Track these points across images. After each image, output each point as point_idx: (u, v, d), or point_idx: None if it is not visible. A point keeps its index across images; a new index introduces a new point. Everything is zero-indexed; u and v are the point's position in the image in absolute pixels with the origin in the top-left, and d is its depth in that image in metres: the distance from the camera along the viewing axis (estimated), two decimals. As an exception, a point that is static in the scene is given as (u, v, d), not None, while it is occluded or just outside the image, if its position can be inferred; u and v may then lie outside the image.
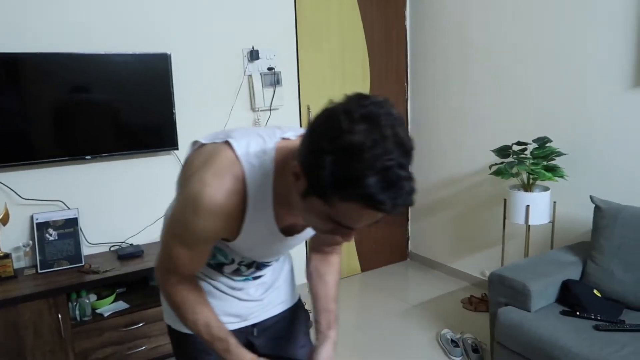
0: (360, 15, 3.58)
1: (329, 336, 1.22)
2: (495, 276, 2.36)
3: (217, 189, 0.92)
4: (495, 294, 2.37)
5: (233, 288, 1.25)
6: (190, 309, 1.08)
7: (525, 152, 2.75)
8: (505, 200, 2.86)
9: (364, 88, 3.68)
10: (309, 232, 1.14)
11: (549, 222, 2.75)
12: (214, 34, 2.97)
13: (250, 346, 1.32)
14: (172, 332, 1.29)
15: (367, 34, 3.63)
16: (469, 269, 3.57)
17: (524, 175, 2.74)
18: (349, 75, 3.60)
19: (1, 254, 2.42)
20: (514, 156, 2.75)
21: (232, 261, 1.17)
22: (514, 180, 2.85)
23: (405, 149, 0.77)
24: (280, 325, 1.36)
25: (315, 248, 1.33)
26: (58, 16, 2.53)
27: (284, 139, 1.00)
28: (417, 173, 3.89)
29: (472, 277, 3.53)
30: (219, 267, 1.20)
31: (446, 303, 3.28)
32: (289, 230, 1.08)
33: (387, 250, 4.01)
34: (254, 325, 1.31)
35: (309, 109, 3.42)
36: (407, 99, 3.90)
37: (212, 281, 1.23)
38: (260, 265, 1.23)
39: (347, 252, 3.80)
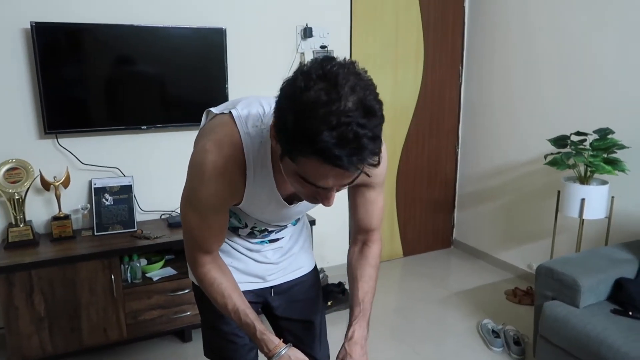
0: (417, -6, 3.48)
1: (356, 336, 1.16)
2: (544, 269, 2.29)
3: (217, 156, 0.99)
4: (543, 287, 2.30)
5: (250, 250, 1.33)
6: (220, 293, 1.14)
7: (585, 143, 2.63)
8: (559, 192, 2.75)
9: (417, 70, 3.60)
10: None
11: (605, 217, 2.63)
12: (269, 10, 2.97)
13: (268, 306, 1.41)
14: (196, 289, 1.35)
15: (424, 15, 3.54)
16: (515, 261, 3.47)
17: (581, 168, 2.62)
18: (402, 57, 3.53)
19: (62, 215, 2.56)
20: (572, 147, 2.63)
21: (245, 225, 1.24)
22: (570, 172, 2.74)
23: (367, 109, 0.78)
24: (296, 289, 1.42)
25: (352, 240, 1.34)
26: (121, -11, 2.61)
27: None
28: (466, 159, 3.82)
29: (518, 269, 3.44)
30: (234, 230, 1.28)
31: (489, 293, 3.22)
32: (293, 198, 1.13)
33: (430, 237, 3.96)
34: (271, 287, 1.39)
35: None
36: (460, 83, 3.80)
37: (230, 242, 1.31)
38: (271, 231, 1.29)
39: (390, 235, 3.78)
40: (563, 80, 3.00)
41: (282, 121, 0.83)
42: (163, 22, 2.67)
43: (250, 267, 1.34)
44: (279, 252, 1.38)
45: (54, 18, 2.47)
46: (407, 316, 2.96)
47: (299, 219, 1.41)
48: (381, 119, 0.82)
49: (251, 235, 1.30)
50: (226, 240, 1.30)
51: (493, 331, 2.65)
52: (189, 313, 2.59)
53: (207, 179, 1.00)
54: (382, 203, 1.28)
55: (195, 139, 1.13)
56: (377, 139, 0.80)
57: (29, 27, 2.38)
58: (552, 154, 2.72)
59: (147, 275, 2.58)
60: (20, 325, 2.29)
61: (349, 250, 1.34)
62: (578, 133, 2.65)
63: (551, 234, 3.01)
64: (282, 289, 1.41)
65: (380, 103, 0.82)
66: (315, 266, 1.50)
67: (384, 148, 1.12)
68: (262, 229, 1.28)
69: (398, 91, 3.57)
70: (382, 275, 3.63)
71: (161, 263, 2.66)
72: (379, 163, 0.83)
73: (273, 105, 0.99)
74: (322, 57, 0.83)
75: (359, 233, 1.31)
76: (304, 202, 1.15)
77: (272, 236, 1.34)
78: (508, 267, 3.52)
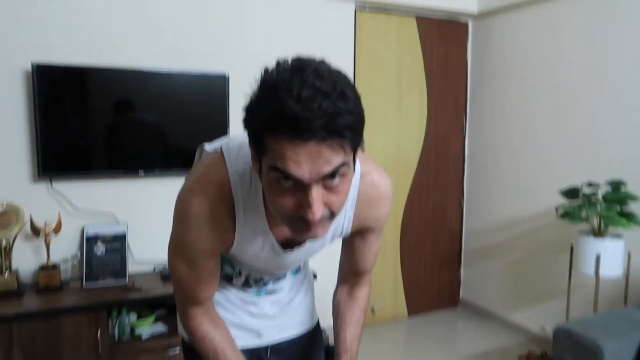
0: (420, 45, 3.51)
1: None
2: (562, 331, 2.14)
3: (202, 197, 0.92)
4: (561, 352, 2.14)
5: (245, 301, 1.21)
6: (212, 349, 1.05)
7: (597, 195, 2.54)
8: (572, 246, 2.63)
9: (420, 120, 3.57)
10: (311, 247, 1.07)
11: (623, 275, 2.49)
12: (271, 56, 2.93)
13: None
14: (184, 344, 1.24)
15: (427, 66, 3.56)
16: (527, 323, 3.29)
17: (595, 220, 2.52)
18: (405, 107, 3.51)
19: (50, 264, 2.43)
20: (584, 198, 2.53)
21: (240, 273, 1.15)
22: (583, 225, 2.63)
23: (334, 85, 0.73)
24: (295, 349, 1.28)
25: (341, 279, 1.24)
26: (123, 34, 2.61)
27: None
28: (472, 212, 3.72)
29: (530, 331, 3.25)
30: (228, 279, 1.18)
31: (500, 359, 3.02)
32: (290, 243, 1.03)
33: (436, 295, 3.78)
34: (267, 347, 1.25)
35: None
36: (464, 134, 3.76)
37: (223, 292, 1.20)
38: (268, 280, 1.19)
39: (394, 293, 3.61)
40: (569, 130, 2.95)
41: (247, 108, 0.80)
42: (165, 67, 2.66)
43: (244, 321, 1.21)
44: (277, 305, 1.25)
45: (55, 60, 2.45)
46: (414, 380, 2.76)
47: (299, 268, 1.29)
48: (351, 96, 0.74)
49: (246, 284, 1.19)
50: (219, 289, 1.18)
51: (508, 399, 2.44)
52: (179, 374, 2.40)
53: (193, 223, 0.93)
54: (379, 246, 1.19)
55: (184, 179, 1.05)
56: (343, 110, 0.72)
57: (30, 68, 2.35)
58: (563, 205, 2.62)
59: (136, 331, 2.42)
60: (-5, 384, 2.11)
61: (337, 290, 1.23)
62: (590, 184, 2.57)
63: (564, 293, 2.86)
64: (279, 348, 1.26)
65: (353, 89, 0.76)
66: (318, 323, 1.36)
67: (388, 188, 1.04)
68: (258, 277, 1.17)
69: (401, 142, 3.53)
70: (384, 336, 3.40)
71: (152, 318, 2.50)
72: (357, 141, 0.77)
73: None
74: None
75: (350, 274, 1.21)
76: (302, 248, 1.05)
77: (270, 287, 1.22)
78: (520, 329, 3.33)
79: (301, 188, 0.76)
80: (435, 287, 3.77)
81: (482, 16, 3.54)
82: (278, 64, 0.78)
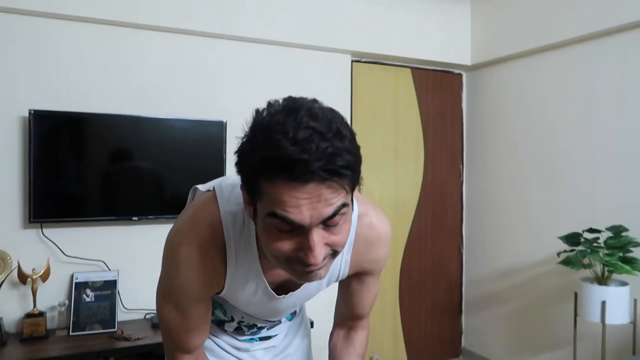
0: (416, 96, 3.57)
1: None
2: (570, 381, 2.04)
3: (192, 238, 0.88)
4: (570, 403, 2.03)
5: (238, 349, 1.15)
6: None
7: (599, 241, 2.50)
8: (576, 294, 2.56)
9: (417, 167, 3.58)
10: (306, 291, 1.02)
11: (630, 322, 2.42)
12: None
13: None
14: None
15: (422, 114, 3.60)
16: (532, 373, 3.16)
17: (598, 267, 2.46)
18: (402, 155, 3.53)
19: (36, 312, 2.34)
20: (586, 244, 2.49)
21: (232, 319, 1.10)
22: (586, 272, 2.57)
23: (329, 124, 0.71)
24: None
25: (338, 322, 1.18)
26: (120, 80, 2.64)
27: None
28: (471, 259, 3.66)
29: (536, 383, 3.12)
30: (220, 324, 1.13)
31: (506, 411, 2.87)
32: (284, 288, 0.99)
33: (437, 344, 3.65)
34: None
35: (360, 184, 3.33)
36: (462, 182, 3.76)
37: (214, 338, 1.14)
38: (262, 327, 1.13)
39: (393, 341, 3.48)
40: (566, 176, 2.95)
41: (240, 152, 0.76)
42: (162, 114, 2.67)
43: None
44: (271, 353, 1.18)
45: (52, 107, 2.46)
46: None
47: (295, 313, 1.23)
48: (347, 136, 0.73)
49: (238, 331, 1.13)
50: (210, 335, 1.13)
51: None
52: None
53: (182, 265, 0.89)
54: (378, 289, 1.14)
55: (175, 220, 1.02)
56: (341, 149, 0.70)
57: (27, 114, 2.36)
58: (565, 251, 2.57)
59: (123, 383, 2.30)
60: None
61: (332, 333, 1.17)
62: (591, 230, 2.53)
63: (569, 342, 2.77)
64: None
65: (348, 128, 0.75)
66: None
67: (387, 230, 1.01)
68: (251, 323, 1.10)
69: (399, 189, 3.52)
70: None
71: (140, 369, 2.38)
72: (354, 180, 0.74)
73: None
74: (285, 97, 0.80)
75: (347, 319, 1.16)
76: (296, 293, 1.00)
77: (263, 333, 1.16)
78: (525, 380, 3.19)
79: (300, 231, 0.74)
80: (436, 336, 3.64)
81: (476, 67, 3.63)
82: (270, 104, 0.76)
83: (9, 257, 2.31)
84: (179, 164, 2.68)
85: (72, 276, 2.48)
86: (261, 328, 1.14)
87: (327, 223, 0.74)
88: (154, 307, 2.65)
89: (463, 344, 3.74)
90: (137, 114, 2.61)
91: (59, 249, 2.48)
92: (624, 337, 2.57)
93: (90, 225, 2.56)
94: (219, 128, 2.76)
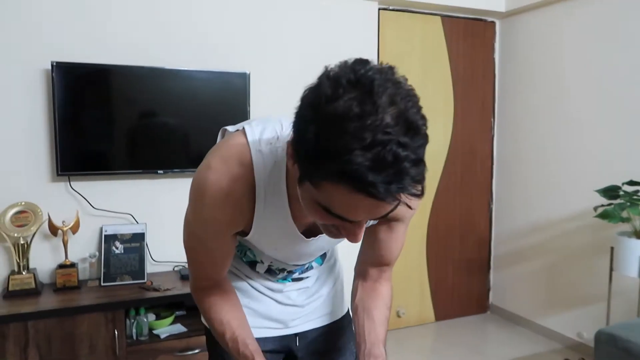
0: (446, 45, 3.42)
1: None
2: (605, 335, 1.99)
3: (221, 174, 0.85)
4: (604, 358, 1.98)
5: (271, 289, 1.15)
6: (217, 320, 1.00)
7: (639, 194, 2.38)
8: (612, 248, 2.47)
9: (446, 121, 3.46)
10: None
11: (669, 277, 2.33)
12: (293, 55, 2.91)
13: (292, 358, 1.21)
14: (207, 333, 1.17)
15: (452, 65, 3.45)
16: (562, 329, 3.11)
17: (638, 221, 2.36)
18: (430, 109, 3.38)
19: (68, 263, 2.39)
20: (625, 197, 2.38)
21: (262, 262, 1.10)
22: (624, 226, 2.47)
23: (410, 126, 0.63)
24: (324, 339, 1.22)
25: (361, 273, 1.14)
26: (144, 32, 2.58)
27: None
28: (501, 216, 3.57)
29: (566, 337, 3.07)
30: (252, 265, 1.13)
31: (535, 365, 2.86)
32: (312, 231, 0.96)
33: (464, 300, 3.63)
34: (296, 335, 1.20)
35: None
36: (493, 136, 3.63)
37: (249, 280, 1.15)
38: (291, 272, 1.12)
39: (420, 297, 3.48)
40: (606, 126, 2.80)
41: (302, 136, 0.67)
42: (185, 66, 2.61)
43: (271, 310, 1.15)
44: (305, 294, 1.18)
45: (75, 59, 2.42)
46: (443, 389, 2.62)
47: (325, 255, 1.20)
48: (425, 138, 0.67)
49: (270, 272, 1.12)
50: (244, 277, 1.14)
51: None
52: (198, 377, 2.32)
53: (208, 200, 0.87)
54: (404, 239, 1.10)
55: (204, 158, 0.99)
56: (420, 162, 0.65)
57: (49, 67, 2.33)
58: (603, 205, 2.47)
59: (154, 332, 2.35)
60: (11, 384, 2.06)
61: (357, 283, 1.14)
62: (631, 182, 2.41)
63: (602, 298, 2.70)
64: (308, 337, 1.20)
65: (424, 119, 0.67)
66: (349, 312, 1.27)
67: None
68: (280, 268, 1.09)
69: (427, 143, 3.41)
70: (412, 341, 3.26)
71: (170, 319, 2.43)
72: (422, 193, 0.68)
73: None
74: (354, 60, 0.68)
75: (373, 267, 1.12)
76: (325, 237, 0.96)
77: (295, 275, 1.15)
78: (554, 335, 3.15)
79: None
80: (463, 292, 3.62)
81: (510, 14, 3.43)
82: (338, 79, 0.65)
83: (39, 210, 2.35)
84: (203, 117, 2.64)
85: (101, 229, 2.52)
86: (291, 272, 1.13)
87: None
88: (182, 260, 2.69)
89: (491, 299, 3.71)
90: (159, 65, 2.56)
91: (87, 201, 2.51)
92: (662, 292, 2.48)
93: (116, 178, 2.56)
94: (242, 79, 2.70)
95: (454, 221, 3.55)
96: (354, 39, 3.07)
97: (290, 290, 1.16)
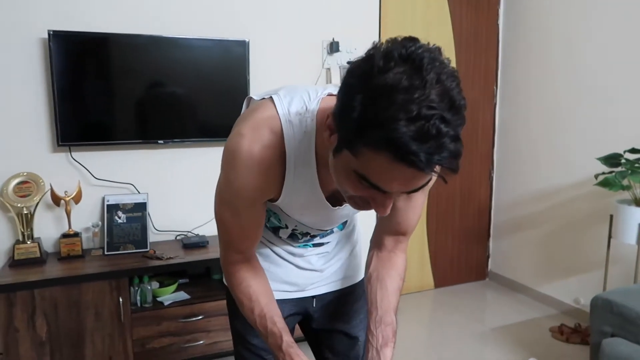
0: (449, 11, 3.35)
1: (384, 356, 0.99)
2: (601, 301, 2.02)
3: (253, 142, 0.87)
4: (600, 323, 2.02)
5: (292, 254, 1.19)
6: (247, 295, 1.02)
7: (640, 162, 2.38)
8: (611, 216, 2.49)
9: (449, 89, 3.42)
10: None
11: (667, 244, 2.35)
12: (294, 23, 2.86)
13: (307, 318, 1.27)
14: (229, 297, 1.20)
15: (455, 31, 3.39)
16: (559, 295, 3.16)
17: (638, 189, 2.37)
18: (433, 75, 3.36)
19: (71, 232, 2.42)
20: (627, 165, 2.38)
21: (286, 226, 1.12)
22: (624, 195, 2.48)
23: (453, 103, 0.66)
24: (341, 301, 1.27)
25: (377, 243, 1.15)
26: (140, 1, 2.53)
27: (330, 95, 0.92)
28: (502, 184, 3.58)
29: (563, 303, 3.13)
30: (275, 231, 1.16)
31: (531, 330, 2.91)
32: (338, 199, 0.99)
33: (464, 268, 3.68)
34: (313, 297, 1.25)
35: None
36: (495, 103, 3.60)
37: (271, 245, 1.18)
38: (315, 235, 1.16)
39: (420, 265, 3.52)
40: (608, 95, 2.77)
41: (347, 105, 0.69)
42: (184, 34, 2.58)
43: (290, 275, 1.19)
44: (325, 258, 1.22)
45: (72, 27, 2.39)
46: (442, 353, 2.68)
47: (346, 222, 1.23)
48: (464, 118, 0.69)
49: (293, 237, 1.15)
50: (266, 242, 1.17)
51: (540, 372, 2.35)
52: (202, 342, 2.38)
53: (240, 167, 0.88)
54: (422, 208, 1.12)
55: (233, 127, 1.00)
56: (459, 139, 0.68)
57: (46, 36, 2.30)
58: (603, 173, 2.46)
59: (158, 299, 2.40)
60: (21, 350, 2.11)
61: (372, 253, 1.15)
62: (633, 150, 2.41)
63: (599, 265, 2.73)
64: (325, 300, 1.26)
65: (465, 100, 0.69)
66: (364, 277, 1.30)
67: None
68: (304, 232, 1.13)
69: (429, 111, 3.39)
70: (411, 307, 3.31)
71: (173, 287, 2.47)
72: (458, 168, 0.70)
73: (320, 93, 0.88)
74: (404, 37, 0.71)
75: (390, 235, 1.13)
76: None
77: (316, 240, 1.19)
78: (551, 301, 3.21)
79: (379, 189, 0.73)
80: (462, 260, 3.66)
81: (515, -24, 3.34)
82: (390, 53, 0.67)
83: (41, 180, 2.36)
84: (203, 86, 2.62)
85: (103, 199, 2.53)
86: (314, 236, 1.16)
87: None
88: (184, 229, 2.72)
89: (490, 267, 3.76)
90: (158, 33, 2.52)
91: (89, 171, 2.51)
92: (659, 259, 2.51)
93: (117, 149, 2.56)
94: (242, 47, 2.66)
95: (455, 189, 3.56)
96: (356, 6, 3.00)
97: (311, 254, 1.20)
